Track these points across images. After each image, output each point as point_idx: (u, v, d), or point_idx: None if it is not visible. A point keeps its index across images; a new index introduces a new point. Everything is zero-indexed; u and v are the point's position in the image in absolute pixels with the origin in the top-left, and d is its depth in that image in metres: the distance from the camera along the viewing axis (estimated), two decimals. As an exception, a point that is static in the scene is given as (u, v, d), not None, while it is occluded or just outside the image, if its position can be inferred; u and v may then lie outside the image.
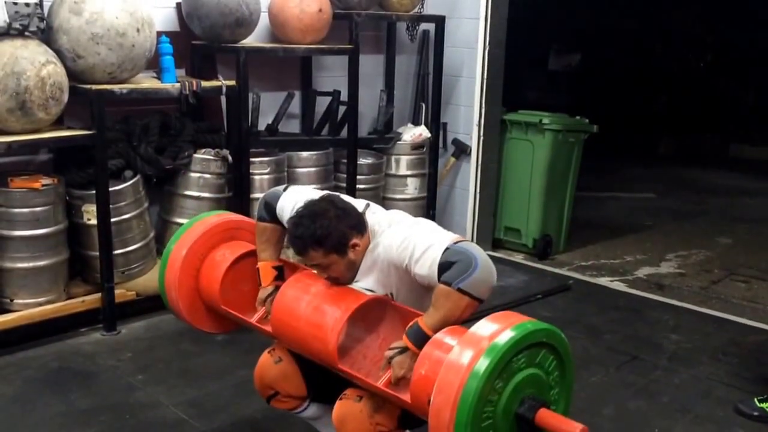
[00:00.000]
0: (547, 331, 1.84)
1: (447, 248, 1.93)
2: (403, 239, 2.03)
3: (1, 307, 3.38)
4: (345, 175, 4.55)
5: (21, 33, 3.15)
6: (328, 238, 2.05)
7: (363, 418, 2.02)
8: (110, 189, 3.50)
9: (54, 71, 3.20)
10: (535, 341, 1.81)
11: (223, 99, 4.02)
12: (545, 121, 4.81)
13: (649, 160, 8.75)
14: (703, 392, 3.18)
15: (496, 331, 1.76)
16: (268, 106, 4.28)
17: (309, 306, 2.12)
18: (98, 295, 3.57)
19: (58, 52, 3.30)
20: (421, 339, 1.92)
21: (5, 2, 3.09)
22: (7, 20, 3.10)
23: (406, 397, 1.90)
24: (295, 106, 4.54)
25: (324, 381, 2.24)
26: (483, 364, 1.69)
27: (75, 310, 3.51)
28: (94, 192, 3.46)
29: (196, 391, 3.04)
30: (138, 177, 3.71)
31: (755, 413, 2.95)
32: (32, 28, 3.18)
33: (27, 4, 3.16)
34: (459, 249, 1.92)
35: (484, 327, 1.79)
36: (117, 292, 3.59)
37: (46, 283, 3.43)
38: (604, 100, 9.19)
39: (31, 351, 3.33)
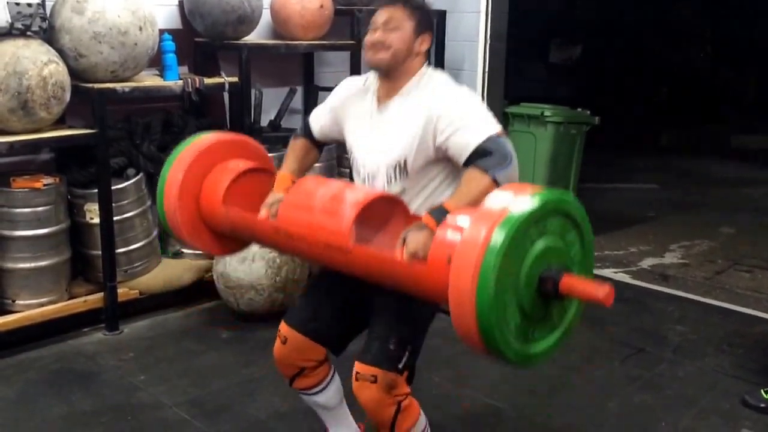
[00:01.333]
0: (560, 199, 1.80)
1: (489, 136, 1.97)
2: (456, 98, 2.07)
3: (2, 308, 3.37)
4: (348, 170, 4.53)
5: (23, 33, 3.14)
6: (421, 7, 2.14)
7: (383, 397, 2.08)
8: (112, 187, 3.49)
9: (56, 70, 3.19)
10: (549, 210, 1.75)
11: (226, 95, 4.01)
12: (547, 113, 4.81)
13: (651, 151, 8.73)
14: (708, 384, 3.18)
15: (517, 198, 1.72)
16: (270, 102, 4.28)
17: (323, 198, 2.07)
18: (100, 295, 3.55)
19: (60, 52, 3.29)
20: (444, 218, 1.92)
21: (7, 2, 3.08)
22: (9, 20, 3.09)
23: (422, 266, 1.84)
24: (298, 101, 4.53)
25: (336, 336, 2.28)
26: (502, 233, 1.64)
27: (77, 310, 3.50)
28: (96, 191, 3.46)
29: (199, 391, 3.03)
30: (140, 175, 3.70)
31: (761, 405, 2.95)
32: (34, 28, 3.17)
33: (29, 4, 3.15)
34: (499, 141, 1.97)
35: (501, 195, 1.75)
36: (120, 291, 3.59)
37: (47, 283, 3.42)
38: (605, 92, 9.18)
39: (32, 352, 3.32)
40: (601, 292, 1.68)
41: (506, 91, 5.08)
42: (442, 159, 2.09)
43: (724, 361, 3.40)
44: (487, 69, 4.89)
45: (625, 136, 8.61)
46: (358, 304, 2.21)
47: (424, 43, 2.14)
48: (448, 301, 1.70)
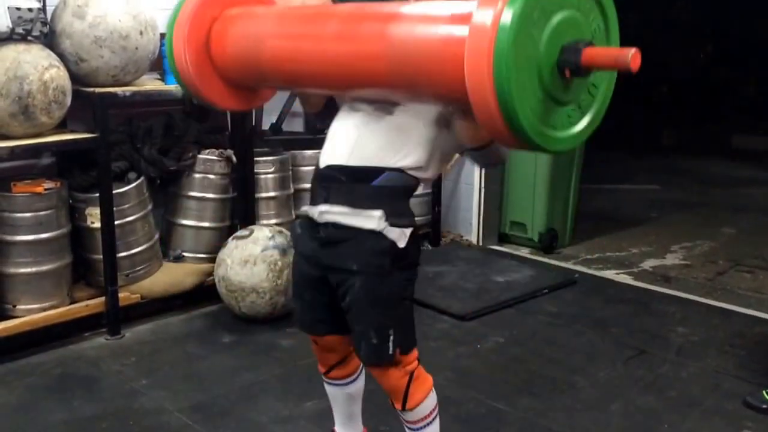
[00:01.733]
0: None
1: None
2: None
3: (3, 313, 3.36)
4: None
5: (24, 38, 3.14)
6: None
7: (391, 373, 2.11)
8: (114, 191, 3.49)
9: (57, 75, 3.20)
10: None
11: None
12: (548, 114, 4.80)
13: (651, 150, 8.73)
14: (711, 386, 3.17)
15: None
16: (271, 106, 4.25)
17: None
18: (102, 299, 3.55)
19: (61, 56, 3.30)
20: None
21: (8, 7, 3.08)
22: (10, 25, 3.09)
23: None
24: (299, 104, 4.52)
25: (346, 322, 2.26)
26: (509, 14, 1.53)
27: (78, 315, 3.49)
28: (97, 195, 3.46)
29: (201, 395, 3.03)
30: (142, 179, 3.71)
31: (764, 405, 2.95)
32: (35, 33, 3.17)
33: (30, 9, 3.15)
34: None
35: None
36: (121, 295, 3.58)
37: (49, 287, 3.42)
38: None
39: (34, 357, 3.31)
40: (626, 54, 1.57)
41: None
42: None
43: (727, 362, 3.40)
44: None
45: (625, 136, 8.61)
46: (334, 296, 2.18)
47: None
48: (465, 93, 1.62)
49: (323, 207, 2.07)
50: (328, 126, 2.20)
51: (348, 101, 2.15)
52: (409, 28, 1.81)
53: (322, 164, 2.12)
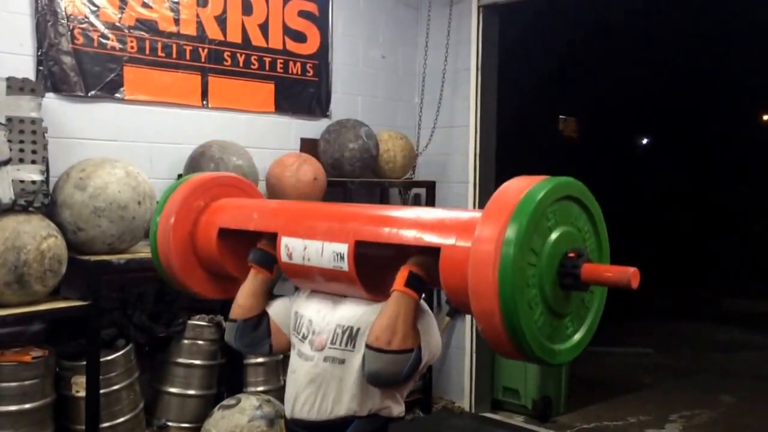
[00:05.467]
0: (566, 183, 1.75)
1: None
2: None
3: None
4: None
5: (25, 209, 3.24)
6: None
7: None
8: (101, 359, 3.45)
9: (54, 244, 3.26)
10: (557, 197, 1.71)
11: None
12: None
13: (642, 312, 8.73)
14: None
15: (516, 196, 1.66)
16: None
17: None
18: (82, 472, 3.40)
19: (60, 225, 3.38)
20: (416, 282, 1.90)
21: (12, 180, 3.20)
22: (12, 197, 3.20)
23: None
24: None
25: None
26: (513, 230, 1.59)
27: (57, 489, 3.34)
28: (84, 363, 3.41)
29: None
30: (130, 346, 3.67)
31: None
32: (36, 204, 3.27)
33: (33, 182, 3.27)
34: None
35: (506, 189, 1.71)
36: (102, 467, 3.44)
37: (27, 460, 3.28)
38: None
39: None
40: (626, 274, 1.61)
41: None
42: None
43: None
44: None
45: (613, 297, 8.65)
46: None
47: None
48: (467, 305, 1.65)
49: None
50: None
51: (296, 347, 2.16)
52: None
53: (289, 415, 2.13)
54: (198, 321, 3.89)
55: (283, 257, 2.13)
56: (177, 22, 4.07)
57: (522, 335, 1.60)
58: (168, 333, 3.80)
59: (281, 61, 4.53)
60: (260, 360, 4.06)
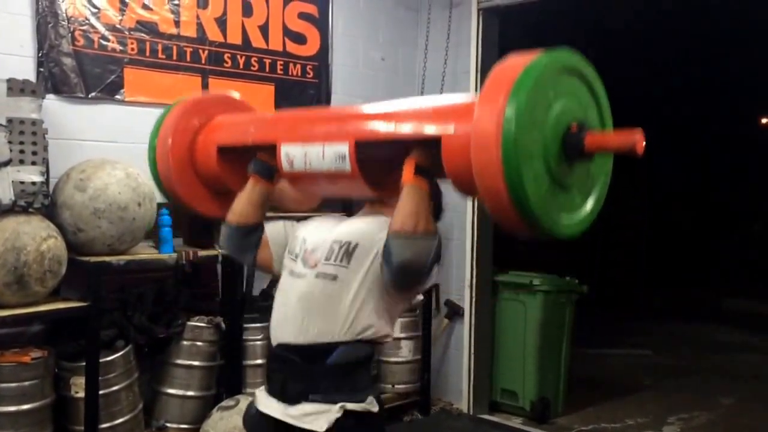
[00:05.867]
0: (564, 56, 1.74)
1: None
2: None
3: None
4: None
5: (25, 210, 3.25)
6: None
7: None
8: (101, 360, 3.46)
9: (54, 245, 3.27)
10: (556, 70, 1.71)
11: (219, 266, 4.08)
12: (536, 282, 4.87)
13: (641, 313, 8.75)
14: None
15: (514, 72, 1.65)
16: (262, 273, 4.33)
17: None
18: (81, 472, 3.42)
19: (60, 226, 3.39)
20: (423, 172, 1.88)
21: (12, 181, 3.21)
22: (13, 198, 3.21)
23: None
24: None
25: None
26: (513, 106, 1.59)
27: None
28: (83, 364, 3.42)
29: None
30: (130, 347, 3.68)
31: None
32: (36, 205, 3.28)
33: (33, 183, 3.28)
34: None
35: (499, 75, 1.69)
36: (101, 468, 3.45)
37: (27, 460, 3.29)
38: (594, 255, 9.35)
39: None
40: (631, 137, 1.61)
41: (495, 254, 5.15)
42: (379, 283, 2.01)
43: None
44: (475, 239, 5.02)
45: (616, 298, 8.68)
46: None
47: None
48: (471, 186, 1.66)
49: (281, 407, 2.01)
50: None
51: (287, 267, 2.13)
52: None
53: (273, 341, 2.09)
54: (197, 322, 3.90)
55: (285, 166, 2.13)
56: (177, 23, 4.08)
57: (529, 209, 1.61)
58: (167, 334, 3.81)
59: (281, 62, 4.55)
60: (259, 362, 4.07)
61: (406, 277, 1.94)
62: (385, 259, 1.92)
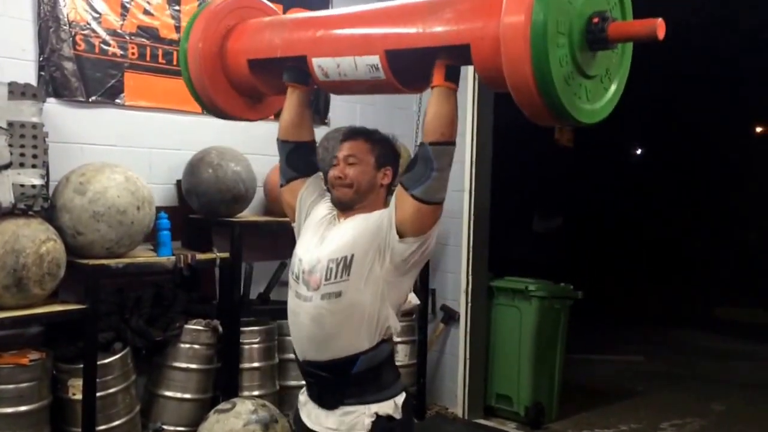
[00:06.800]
0: None
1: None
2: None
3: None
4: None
5: (25, 212, 3.27)
6: (382, 140, 2.23)
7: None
8: (98, 362, 3.48)
9: (53, 248, 3.29)
10: None
11: (217, 270, 4.10)
12: (531, 288, 4.91)
13: (635, 319, 8.79)
14: None
15: None
16: (260, 275, 4.36)
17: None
18: (78, 474, 3.43)
19: (59, 229, 3.41)
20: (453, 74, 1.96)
21: (12, 184, 3.23)
22: (12, 201, 3.23)
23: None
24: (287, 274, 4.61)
25: None
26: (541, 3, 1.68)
27: (52, 491, 3.36)
28: (81, 366, 3.44)
29: None
30: (127, 349, 3.70)
31: None
32: (36, 208, 3.30)
33: (33, 186, 3.30)
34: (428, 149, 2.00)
35: None
36: (98, 470, 3.46)
37: (24, 462, 3.30)
38: (588, 261, 9.39)
39: None
40: (653, 24, 1.71)
41: (491, 260, 5.18)
42: (384, 274, 2.07)
43: None
44: (471, 244, 5.05)
45: (610, 304, 8.71)
46: None
47: (386, 177, 2.23)
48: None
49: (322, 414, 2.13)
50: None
51: (292, 288, 2.20)
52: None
53: (299, 356, 2.19)
54: (195, 325, 3.92)
55: (319, 77, 2.18)
56: (178, 29, 4.11)
57: (554, 91, 1.71)
58: (165, 337, 3.82)
59: (280, 68, 4.57)
60: (255, 365, 4.10)
61: (440, 183, 2.01)
62: (419, 172, 2.00)
